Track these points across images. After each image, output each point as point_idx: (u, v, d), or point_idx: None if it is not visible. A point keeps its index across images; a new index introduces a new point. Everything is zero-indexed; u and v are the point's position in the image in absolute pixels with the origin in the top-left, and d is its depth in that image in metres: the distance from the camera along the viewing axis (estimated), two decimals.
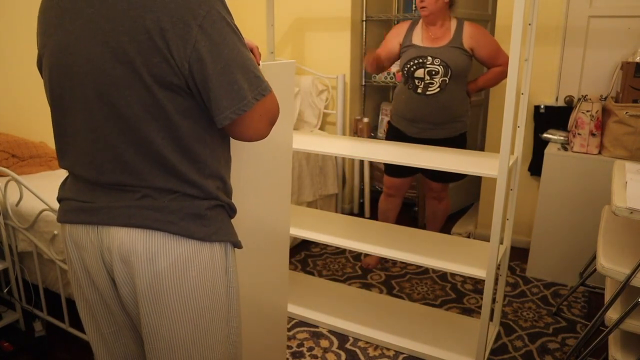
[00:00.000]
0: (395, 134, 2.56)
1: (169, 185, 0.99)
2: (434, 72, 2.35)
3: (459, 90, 2.41)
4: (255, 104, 0.97)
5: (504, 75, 2.36)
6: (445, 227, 3.33)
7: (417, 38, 2.41)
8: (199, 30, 0.91)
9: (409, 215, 3.56)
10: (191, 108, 0.97)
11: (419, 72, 2.38)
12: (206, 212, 1.03)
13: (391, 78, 3.45)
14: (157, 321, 1.02)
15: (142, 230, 0.98)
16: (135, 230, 0.98)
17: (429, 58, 2.35)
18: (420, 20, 2.43)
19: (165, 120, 0.95)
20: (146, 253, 0.98)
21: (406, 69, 2.42)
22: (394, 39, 2.50)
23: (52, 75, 1.00)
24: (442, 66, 2.33)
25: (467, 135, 2.55)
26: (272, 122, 1.05)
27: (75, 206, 1.05)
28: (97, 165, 1.00)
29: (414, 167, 2.58)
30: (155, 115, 0.95)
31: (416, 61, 2.38)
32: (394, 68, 3.29)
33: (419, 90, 2.40)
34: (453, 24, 2.37)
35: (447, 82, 2.35)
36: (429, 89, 2.38)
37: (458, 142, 2.45)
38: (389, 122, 2.65)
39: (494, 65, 2.39)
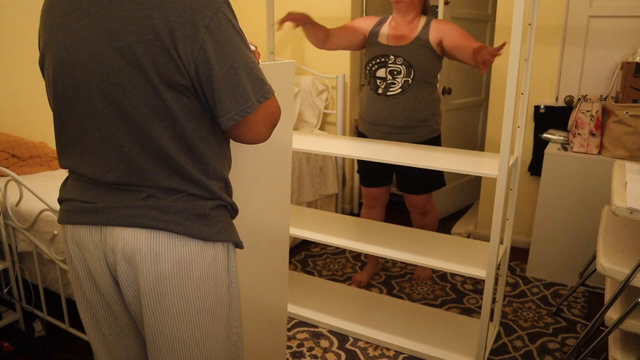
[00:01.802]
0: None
1: (174, 185, 1.00)
2: (395, 72, 2.22)
3: (424, 93, 2.26)
4: (258, 106, 0.98)
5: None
6: (445, 227, 3.33)
7: (383, 36, 2.27)
8: (206, 31, 0.91)
9: (408, 216, 3.55)
10: (196, 108, 0.98)
11: (381, 72, 2.25)
12: (210, 212, 1.03)
13: None
14: (160, 321, 1.02)
15: (147, 231, 0.98)
16: (139, 231, 0.99)
17: (391, 57, 2.22)
18: (389, 18, 2.30)
19: (171, 121, 0.96)
20: (150, 253, 0.98)
21: (368, 68, 2.30)
22: (361, 26, 2.34)
23: (55, 74, 1.00)
24: (405, 66, 2.20)
25: (441, 141, 2.39)
26: (274, 125, 1.06)
27: (78, 207, 1.04)
28: (103, 164, 1.00)
29: (389, 176, 2.48)
30: (161, 115, 0.95)
31: (378, 60, 2.25)
32: None
33: (380, 91, 2.27)
34: (422, 21, 2.24)
35: (410, 82, 2.22)
36: (390, 89, 2.25)
37: None
38: (356, 128, 2.50)
39: (469, 47, 2.08)
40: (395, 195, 3.51)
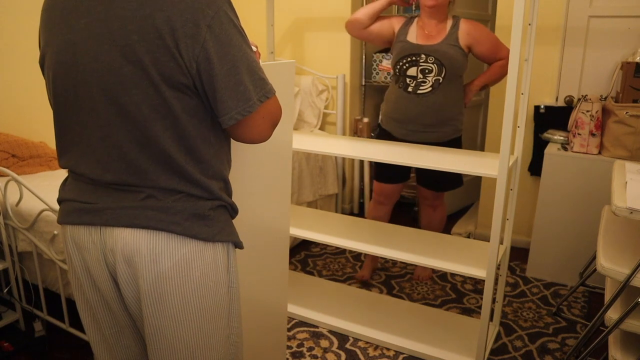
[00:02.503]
0: (384, 137, 2.45)
1: (174, 185, 1.00)
2: (427, 71, 2.23)
3: (453, 91, 2.29)
4: (259, 105, 0.98)
5: (507, 68, 2.26)
6: (445, 227, 3.33)
7: (412, 35, 2.28)
8: (207, 30, 0.91)
9: (409, 215, 3.56)
10: (197, 108, 0.98)
11: (412, 70, 2.26)
12: (209, 212, 1.03)
13: (385, 77, 3.44)
14: (160, 321, 1.02)
15: (146, 231, 0.98)
16: (139, 231, 0.98)
17: (423, 56, 2.23)
18: (416, 19, 2.32)
19: (172, 120, 0.96)
20: (150, 254, 0.98)
21: (398, 67, 2.30)
22: (391, 22, 2.35)
23: (55, 74, 1.00)
24: (437, 64, 2.21)
25: (462, 141, 2.41)
26: (275, 125, 1.06)
27: (77, 207, 1.04)
28: (102, 164, 1.00)
29: (405, 174, 2.49)
30: (162, 114, 0.95)
31: (409, 58, 2.26)
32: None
33: (409, 89, 2.28)
34: (449, 22, 2.27)
35: (441, 81, 2.23)
36: (421, 87, 2.26)
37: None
38: (379, 125, 2.54)
39: (496, 60, 2.27)
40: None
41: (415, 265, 2.62)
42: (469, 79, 2.39)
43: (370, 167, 3.61)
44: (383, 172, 2.53)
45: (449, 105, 2.30)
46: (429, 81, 2.24)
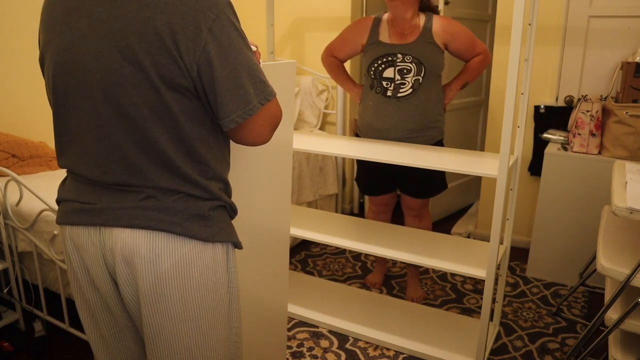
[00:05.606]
0: None
1: (173, 186, 1.00)
2: (405, 71, 2.10)
3: (433, 92, 2.17)
4: (260, 108, 0.98)
5: (486, 63, 2.20)
6: (445, 227, 3.34)
7: (384, 35, 2.14)
8: (208, 33, 0.91)
9: None
10: (197, 110, 0.98)
11: (389, 72, 2.13)
12: (209, 212, 1.03)
13: None
14: (159, 322, 1.02)
15: (146, 231, 0.98)
16: (138, 232, 0.98)
17: (399, 55, 2.10)
18: (385, 16, 2.18)
19: (171, 122, 0.96)
20: (149, 254, 0.98)
21: (373, 69, 2.16)
22: (356, 39, 2.23)
23: (55, 73, 1.00)
24: (415, 63, 2.09)
25: (444, 143, 2.30)
26: (275, 127, 1.06)
27: (77, 207, 1.04)
28: (101, 165, 1.00)
29: (393, 182, 2.38)
30: (161, 116, 0.95)
31: (384, 59, 2.12)
32: None
33: (389, 93, 2.14)
34: (422, 18, 2.13)
35: (421, 81, 2.11)
36: (401, 90, 2.13)
37: None
38: (356, 135, 2.40)
39: (473, 56, 2.17)
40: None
41: (406, 287, 2.57)
42: (447, 79, 2.29)
43: None
44: (371, 186, 2.45)
45: (431, 106, 2.19)
46: (409, 82, 2.12)
